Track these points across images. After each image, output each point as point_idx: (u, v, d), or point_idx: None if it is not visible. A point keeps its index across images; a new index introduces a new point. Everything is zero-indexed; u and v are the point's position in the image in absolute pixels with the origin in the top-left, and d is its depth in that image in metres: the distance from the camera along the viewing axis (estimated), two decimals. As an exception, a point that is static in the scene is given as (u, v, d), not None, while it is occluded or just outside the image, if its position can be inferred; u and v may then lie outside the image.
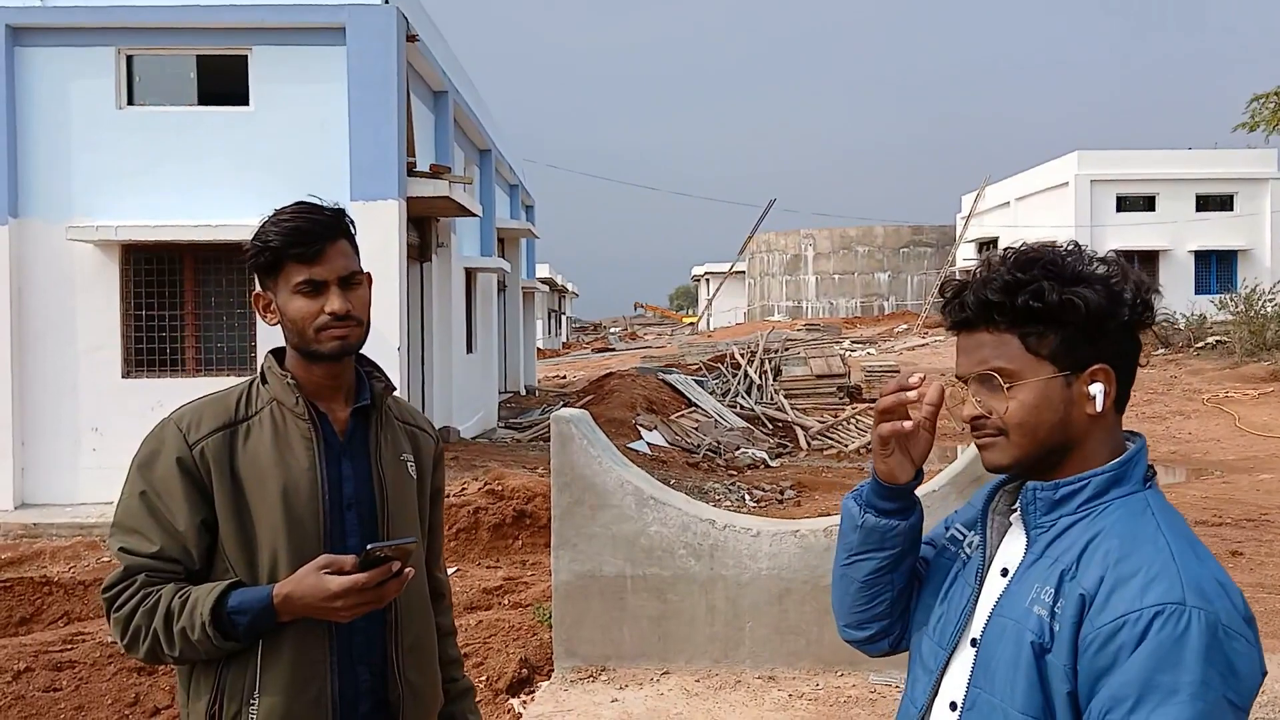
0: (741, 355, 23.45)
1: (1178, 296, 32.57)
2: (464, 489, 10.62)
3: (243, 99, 12.00)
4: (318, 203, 2.08)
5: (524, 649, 6.99)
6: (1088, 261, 1.54)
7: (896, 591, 1.72)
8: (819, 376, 21.74)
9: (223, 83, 12.20)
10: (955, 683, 1.57)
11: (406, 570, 1.96)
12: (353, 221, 2.14)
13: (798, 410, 19.82)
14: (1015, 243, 1.61)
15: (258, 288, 2.08)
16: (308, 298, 2.02)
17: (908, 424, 1.65)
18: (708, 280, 67.66)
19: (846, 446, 17.27)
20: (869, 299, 49.76)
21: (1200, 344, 25.75)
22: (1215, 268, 35.38)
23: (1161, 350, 26.40)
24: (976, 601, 1.59)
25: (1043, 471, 1.52)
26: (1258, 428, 17.02)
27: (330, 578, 1.91)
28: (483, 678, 6.03)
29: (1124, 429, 1.56)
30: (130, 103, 12.05)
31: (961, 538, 1.69)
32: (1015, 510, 1.60)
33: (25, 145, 11.74)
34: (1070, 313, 1.47)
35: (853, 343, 34.04)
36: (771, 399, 20.75)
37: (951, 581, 1.66)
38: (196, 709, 2.04)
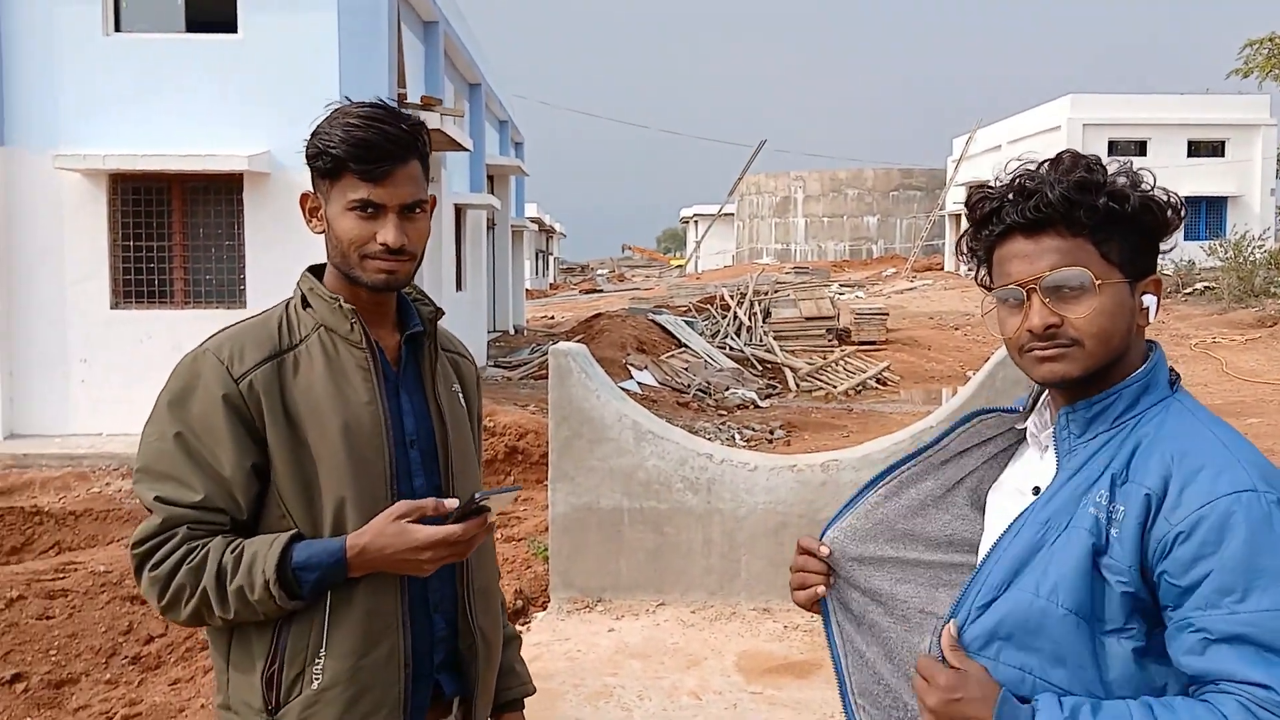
0: (731, 297, 23.41)
1: (1168, 242, 32.52)
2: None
3: (231, 26, 11.78)
4: (393, 108, 1.82)
5: (519, 581, 7.04)
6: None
7: None
8: (808, 319, 21.73)
9: (211, 10, 11.97)
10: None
11: (493, 519, 1.78)
12: (429, 137, 1.88)
13: (787, 352, 19.84)
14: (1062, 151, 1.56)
15: (309, 186, 1.88)
16: (362, 219, 1.79)
17: (822, 589, 1.70)
18: (696, 223, 67.34)
19: (835, 388, 17.32)
20: (858, 242, 49.67)
21: (1189, 290, 25.82)
22: (1205, 214, 35.38)
23: (1149, 296, 26.41)
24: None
25: (1095, 384, 1.49)
26: (1244, 373, 17.12)
27: (416, 528, 1.71)
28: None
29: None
30: (118, 29, 11.82)
31: None
32: (1026, 438, 1.63)
33: (11, 72, 11.52)
34: (1146, 217, 1.46)
35: (841, 286, 34.02)
36: (760, 341, 20.75)
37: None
38: (246, 675, 1.80)
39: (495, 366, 18.93)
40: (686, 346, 19.61)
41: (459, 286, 18.04)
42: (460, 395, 2.03)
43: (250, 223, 11.75)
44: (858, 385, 17.51)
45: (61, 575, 7.31)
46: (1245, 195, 35.31)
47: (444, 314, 2.01)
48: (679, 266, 62.07)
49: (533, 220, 43.36)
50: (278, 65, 11.63)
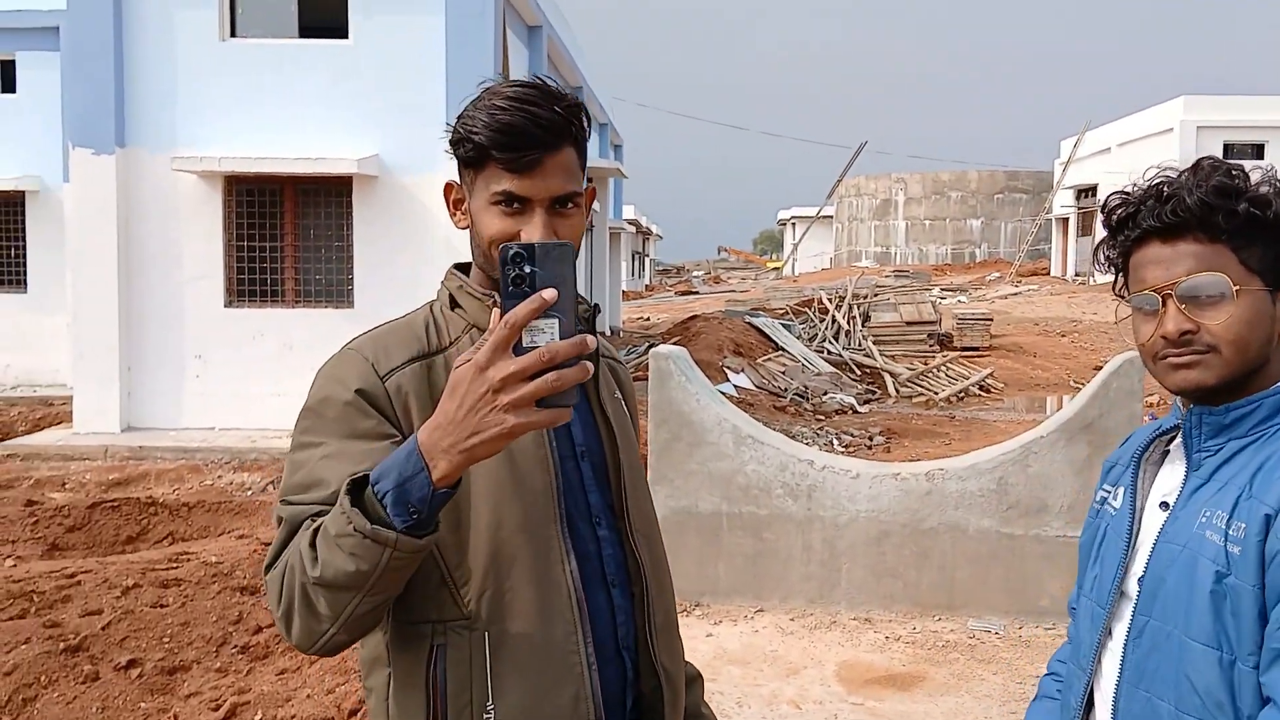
0: (829, 300, 23.18)
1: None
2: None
3: (343, 31, 12.06)
4: (549, 86, 1.57)
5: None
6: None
7: None
8: (909, 323, 21.40)
9: (323, 15, 12.27)
10: (1121, 628, 1.51)
11: (588, 337, 1.27)
12: (589, 120, 1.63)
13: (886, 357, 19.56)
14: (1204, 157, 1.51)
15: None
16: (506, 215, 1.55)
17: None
18: (794, 225, 66.91)
19: (936, 394, 17.02)
20: (960, 246, 48.81)
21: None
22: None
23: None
24: (1133, 543, 1.53)
25: (1232, 393, 1.44)
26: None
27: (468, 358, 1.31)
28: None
29: None
30: (233, 35, 12.19)
31: (1107, 494, 1.63)
32: (1169, 449, 1.55)
33: (132, 76, 11.95)
34: None
35: (943, 290, 33.43)
36: (859, 345, 20.51)
37: (1103, 537, 1.60)
38: None
39: (592, 367, 18.96)
40: (784, 350, 19.46)
41: (558, 288, 18.18)
42: (623, 402, 1.80)
43: (359, 224, 12.01)
44: (960, 392, 17.18)
45: (175, 565, 7.55)
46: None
47: (600, 310, 1.72)
48: (775, 269, 61.72)
49: (630, 222, 43.54)
50: (386, 69, 11.87)
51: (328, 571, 1.39)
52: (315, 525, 1.44)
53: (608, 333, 25.41)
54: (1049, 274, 40.90)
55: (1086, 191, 39.73)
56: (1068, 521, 5.38)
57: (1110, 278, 1.59)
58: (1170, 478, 1.52)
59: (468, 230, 1.64)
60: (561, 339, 1.25)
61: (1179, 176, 1.46)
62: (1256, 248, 1.41)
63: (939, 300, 27.03)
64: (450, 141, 1.60)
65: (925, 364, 18.95)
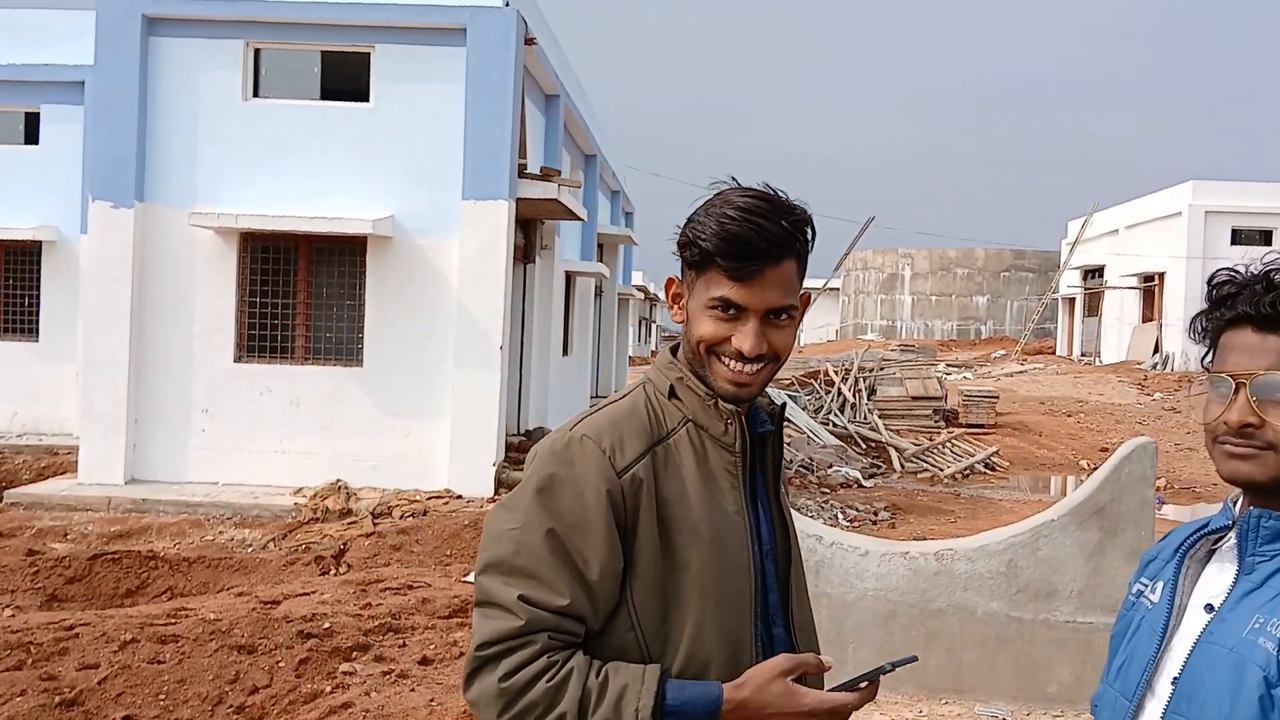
0: (835, 372, 23.21)
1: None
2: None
3: (363, 95, 12.24)
4: (780, 198, 1.64)
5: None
6: None
7: None
8: (914, 398, 21.40)
9: (345, 79, 12.47)
10: None
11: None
12: (813, 232, 1.69)
13: (892, 431, 19.54)
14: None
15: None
16: (721, 320, 1.62)
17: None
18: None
19: (942, 471, 16.97)
20: (966, 322, 48.94)
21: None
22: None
23: None
24: (1168, 641, 1.50)
25: (1275, 496, 1.44)
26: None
27: (804, 691, 1.53)
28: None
29: None
30: (256, 94, 12.38)
31: (1144, 588, 1.60)
32: (1216, 549, 1.52)
33: (154, 132, 12.12)
34: None
35: (948, 366, 33.46)
36: (865, 418, 20.49)
37: (1135, 629, 1.57)
38: None
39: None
40: (789, 421, 19.46)
41: (565, 351, 18.25)
42: (786, 497, 1.82)
43: (371, 283, 12.09)
44: (965, 469, 17.13)
45: (173, 621, 7.49)
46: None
47: (786, 407, 1.83)
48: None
49: (638, 288, 43.75)
50: (405, 133, 12.03)
51: None
52: (583, 690, 1.51)
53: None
54: (1054, 353, 40.93)
55: (1093, 272, 39.92)
56: (1077, 607, 5.34)
57: (1201, 347, 1.57)
58: (1217, 579, 1.49)
59: (682, 324, 1.72)
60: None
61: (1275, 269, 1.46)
62: None
63: (944, 376, 27.05)
64: (678, 243, 1.67)
65: (930, 439, 18.92)
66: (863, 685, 1.58)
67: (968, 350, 42.52)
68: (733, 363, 1.62)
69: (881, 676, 1.59)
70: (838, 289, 55.69)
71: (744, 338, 1.60)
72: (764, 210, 1.60)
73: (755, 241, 1.58)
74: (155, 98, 12.14)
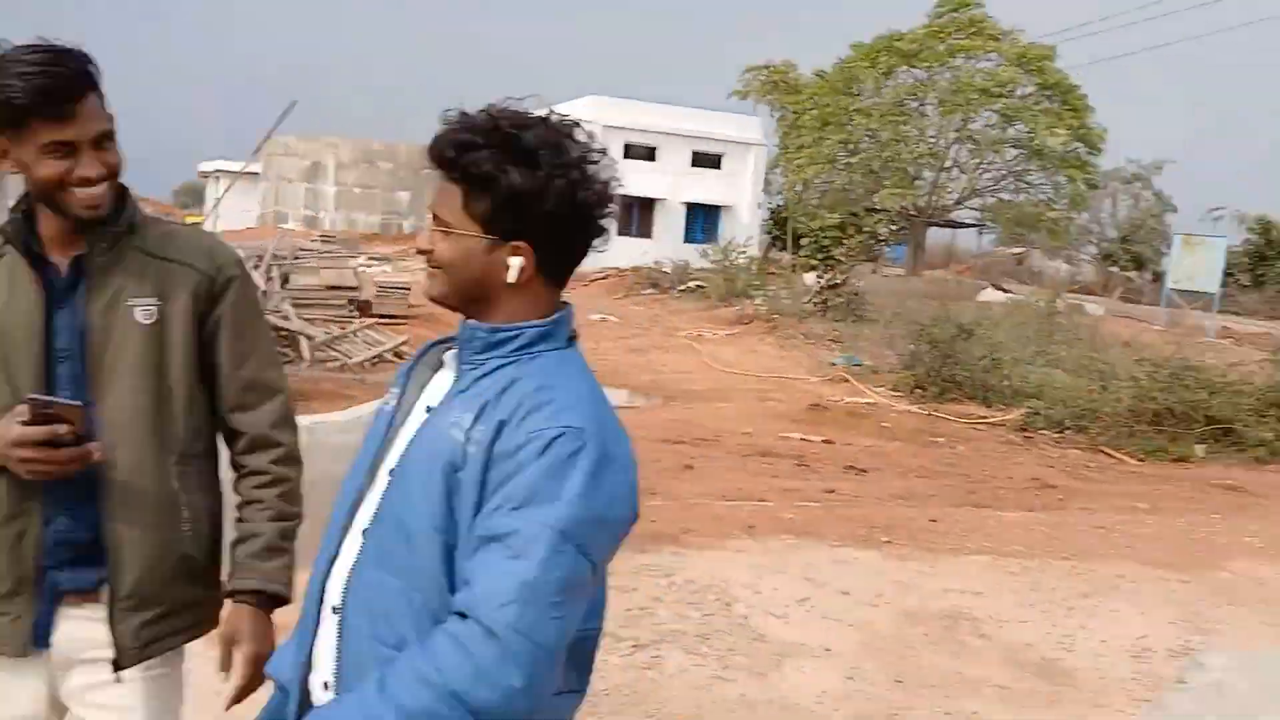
0: (249, 260, 22.44)
1: (669, 243, 35.78)
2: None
3: None
4: (54, 43, 1.85)
5: None
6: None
7: None
8: (329, 288, 21.34)
9: None
10: (368, 511, 1.65)
11: (91, 446, 1.84)
12: (99, 68, 1.91)
13: (304, 320, 19.38)
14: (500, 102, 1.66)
15: None
16: (60, 160, 1.85)
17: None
18: (218, 178, 63.41)
19: (350, 359, 17.22)
20: (389, 217, 49.43)
21: (683, 287, 28.48)
22: (703, 220, 39.05)
23: (650, 290, 28.96)
24: (393, 437, 1.67)
25: (474, 314, 1.65)
26: (724, 363, 19.16)
27: (11, 425, 1.82)
28: None
29: (561, 299, 1.69)
30: None
31: (391, 396, 1.76)
32: (444, 357, 1.72)
33: None
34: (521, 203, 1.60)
35: (370, 259, 33.69)
36: (277, 307, 20.10)
37: (370, 433, 1.74)
38: None
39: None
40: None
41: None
42: (141, 309, 1.98)
43: None
44: (374, 357, 17.51)
45: None
46: (737, 206, 39.38)
47: (137, 226, 2.00)
48: (196, 223, 58.20)
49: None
50: None
51: None
52: None
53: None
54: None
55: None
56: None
57: None
58: (441, 384, 1.69)
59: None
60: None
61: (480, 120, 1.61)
62: (486, 201, 1.60)
63: (364, 268, 27.25)
64: None
65: (343, 329, 19.05)
66: (49, 410, 1.80)
67: (391, 244, 43.04)
68: (80, 190, 1.86)
69: (60, 417, 1.81)
70: (258, 174, 53.42)
71: (86, 167, 1.86)
72: (54, 58, 1.81)
73: (65, 86, 1.81)
74: None
